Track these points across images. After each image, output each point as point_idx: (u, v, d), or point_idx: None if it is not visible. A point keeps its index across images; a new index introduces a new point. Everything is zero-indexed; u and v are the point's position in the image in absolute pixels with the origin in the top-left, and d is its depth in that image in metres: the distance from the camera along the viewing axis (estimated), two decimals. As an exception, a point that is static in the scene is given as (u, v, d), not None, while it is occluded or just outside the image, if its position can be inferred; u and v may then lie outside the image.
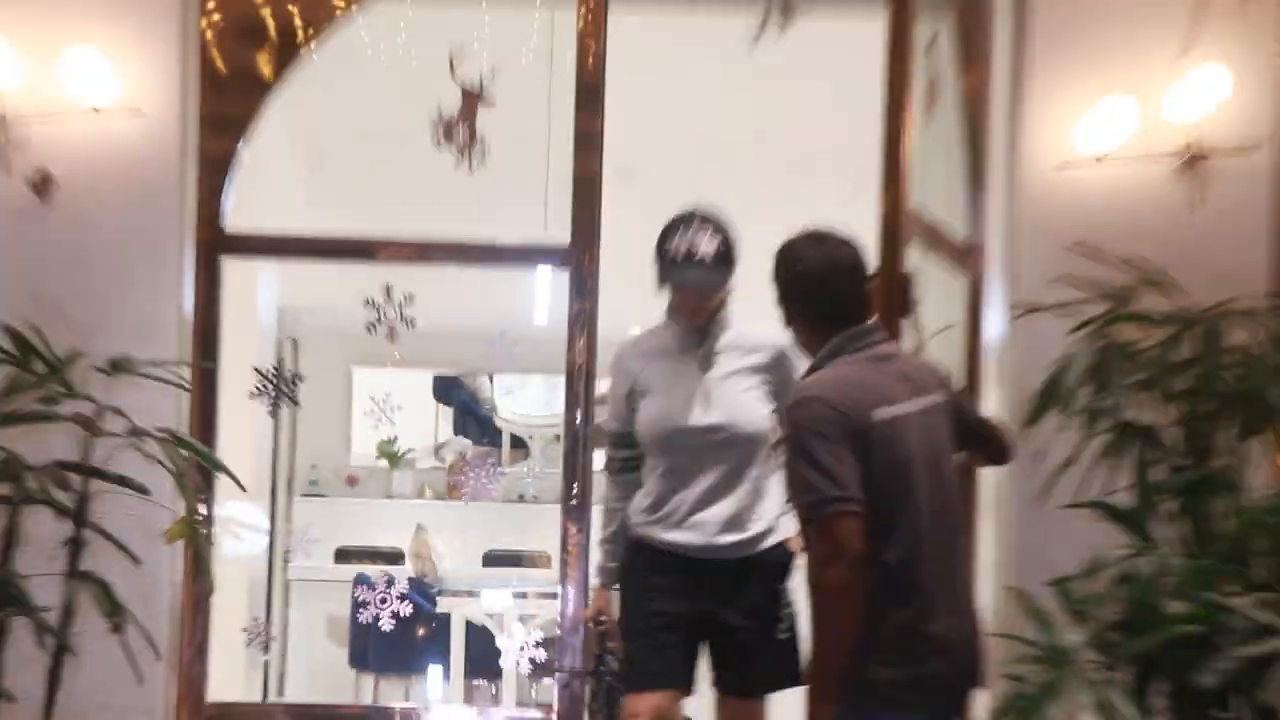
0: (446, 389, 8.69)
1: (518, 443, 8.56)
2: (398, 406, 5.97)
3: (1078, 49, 4.05)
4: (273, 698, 6.00)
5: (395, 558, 6.94)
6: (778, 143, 5.45)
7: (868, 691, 2.76)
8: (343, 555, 7.30)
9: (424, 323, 4.34)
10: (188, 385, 4.12)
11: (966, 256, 4.06)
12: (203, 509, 4.14)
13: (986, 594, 3.86)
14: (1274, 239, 4.05)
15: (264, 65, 4.26)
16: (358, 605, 5.26)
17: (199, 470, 4.05)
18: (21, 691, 3.55)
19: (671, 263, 3.22)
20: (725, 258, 3.27)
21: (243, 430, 4.99)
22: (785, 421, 3.16)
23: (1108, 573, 3.17)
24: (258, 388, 4.54)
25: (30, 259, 4.13)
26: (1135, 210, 4.02)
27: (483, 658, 5.70)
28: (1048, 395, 3.40)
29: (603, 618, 3.52)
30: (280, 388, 4.64)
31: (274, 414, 4.82)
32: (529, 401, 8.47)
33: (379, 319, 4.42)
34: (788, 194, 4.78)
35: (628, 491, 3.47)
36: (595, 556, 3.66)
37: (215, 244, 4.28)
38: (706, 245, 3.20)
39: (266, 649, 5.12)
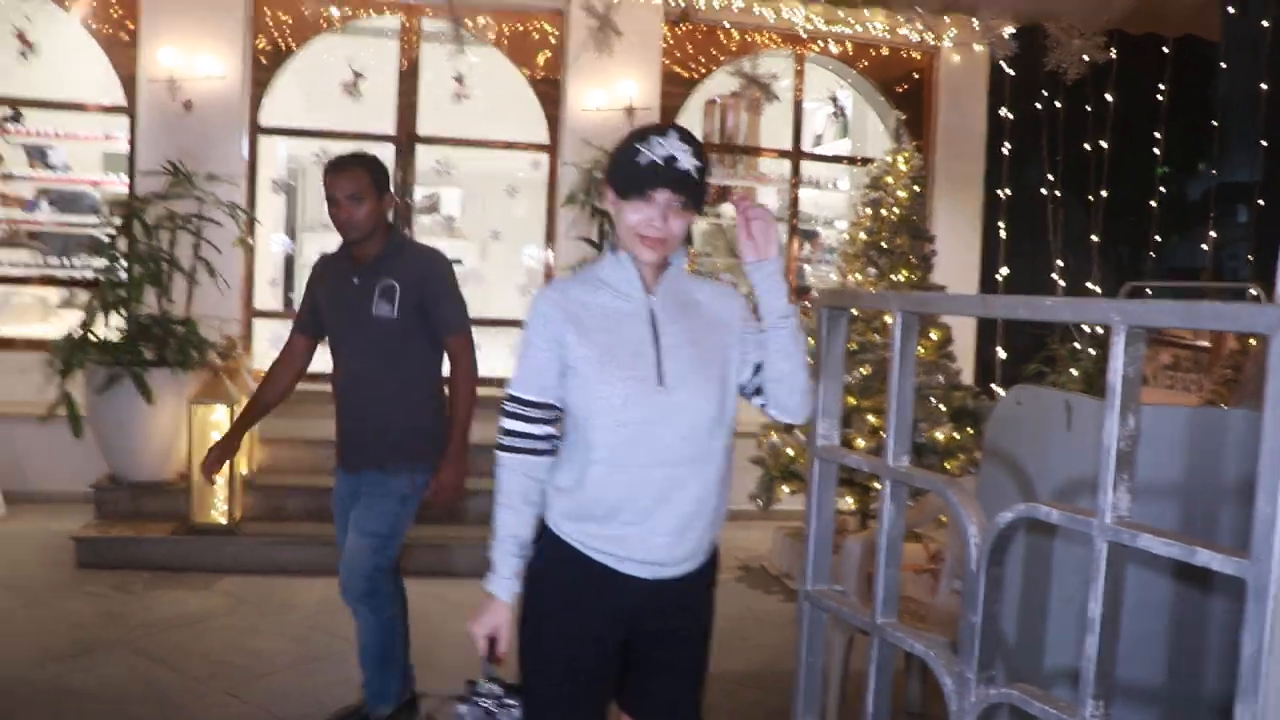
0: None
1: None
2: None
3: (595, 68, 8.11)
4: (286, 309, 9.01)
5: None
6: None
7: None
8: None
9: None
10: (243, 186, 7.74)
11: (547, 149, 8.28)
12: (249, 236, 7.46)
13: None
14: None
15: (279, 53, 7.98)
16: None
17: (247, 219, 7.35)
18: (179, 298, 6.68)
19: (651, 166, 2.26)
20: (702, 182, 2.34)
21: (270, 205, 8.73)
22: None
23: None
24: (275, 189, 8.68)
25: (181, 134, 7.53)
26: (603, 128, 7.82)
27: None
28: (570, 198, 7.75)
29: (497, 637, 2.42)
30: (287, 187, 8.85)
31: (286, 199, 8.94)
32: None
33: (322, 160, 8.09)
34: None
35: (535, 481, 2.40)
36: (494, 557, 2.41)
37: (256, 129, 8.05)
38: (690, 160, 2.28)
39: (286, 290, 9.09)
